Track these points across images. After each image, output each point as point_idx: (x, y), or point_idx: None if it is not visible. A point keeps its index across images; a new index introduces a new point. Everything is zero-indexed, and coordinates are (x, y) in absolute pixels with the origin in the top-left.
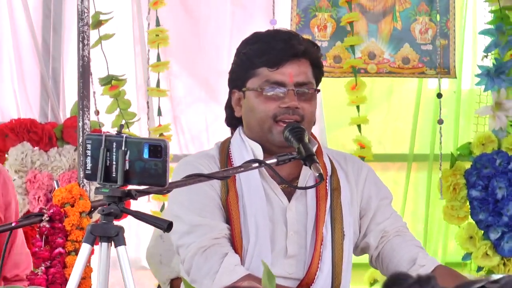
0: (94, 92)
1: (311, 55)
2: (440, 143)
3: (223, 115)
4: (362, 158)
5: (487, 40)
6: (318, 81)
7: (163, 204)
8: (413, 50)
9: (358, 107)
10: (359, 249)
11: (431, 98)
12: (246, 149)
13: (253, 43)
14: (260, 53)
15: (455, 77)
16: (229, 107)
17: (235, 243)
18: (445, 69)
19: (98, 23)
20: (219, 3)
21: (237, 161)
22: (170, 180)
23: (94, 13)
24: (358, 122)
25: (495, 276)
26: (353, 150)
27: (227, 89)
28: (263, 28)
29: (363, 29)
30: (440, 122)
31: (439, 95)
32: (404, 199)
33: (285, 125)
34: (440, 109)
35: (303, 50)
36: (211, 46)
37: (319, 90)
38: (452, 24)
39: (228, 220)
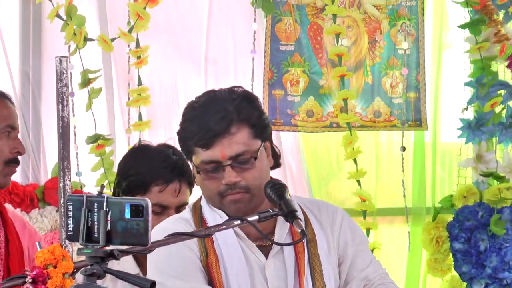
0: (76, 153)
1: (243, 121)
2: (404, 196)
3: None
4: (364, 211)
5: (467, 92)
6: (263, 136)
7: None
8: (385, 103)
9: (355, 160)
10: None
11: (408, 152)
12: (217, 213)
13: (185, 120)
14: (191, 135)
15: (427, 129)
16: None
17: None
18: (417, 122)
19: (87, 82)
20: (194, 63)
21: (211, 223)
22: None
23: (83, 71)
24: (357, 176)
25: None
26: (353, 203)
27: None
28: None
29: (335, 83)
30: (403, 149)
31: (402, 149)
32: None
33: (231, 199)
34: (403, 163)
35: (233, 121)
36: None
37: (256, 157)
38: (422, 77)
39: (210, 282)
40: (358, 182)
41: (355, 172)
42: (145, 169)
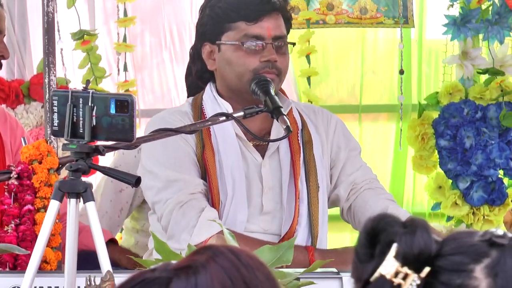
0: (61, 49)
1: (284, 9)
2: (401, 93)
3: (185, 67)
4: None
5: None
6: (288, 34)
7: None
8: (371, 0)
9: (308, 57)
10: (329, 202)
11: (394, 48)
12: (219, 105)
13: None
14: (237, 7)
15: (413, 27)
16: (199, 60)
17: (213, 197)
18: (403, 19)
19: None
20: None
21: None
22: (139, 135)
23: None
24: (308, 74)
25: (498, 231)
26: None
27: (189, 38)
28: None
29: None
30: (401, 72)
31: (400, 46)
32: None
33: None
34: (401, 61)
35: (279, 4)
36: None
37: (294, 44)
38: None
39: (204, 175)
40: (308, 81)
41: (307, 69)
42: None
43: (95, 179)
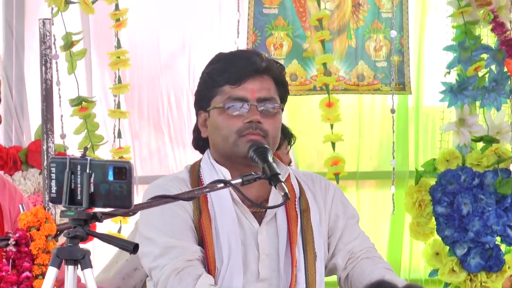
0: (61, 116)
1: (273, 72)
2: (393, 158)
3: (182, 134)
4: (337, 174)
5: (450, 56)
6: (283, 98)
7: (120, 226)
8: (368, 67)
9: (331, 125)
10: (327, 270)
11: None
12: (216, 172)
13: (216, 62)
14: (222, 71)
15: (410, 93)
16: (196, 130)
17: (209, 264)
18: (400, 85)
19: (70, 45)
20: (176, 23)
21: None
22: (136, 202)
23: (65, 34)
24: (332, 139)
25: None
26: (322, 169)
27: (186, 105)
28: (222, 46)
29: (318, 46)
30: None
31: (393, 111)
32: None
33: (250, 138)
34: (393, 125)
35: (265, 66)
36: (170, 64)
37: (282, 108)
38: (406, 41)
39: (201, 241)
40: (333, 145)
41: (331, 135)
42: None
43: (93, 245)
